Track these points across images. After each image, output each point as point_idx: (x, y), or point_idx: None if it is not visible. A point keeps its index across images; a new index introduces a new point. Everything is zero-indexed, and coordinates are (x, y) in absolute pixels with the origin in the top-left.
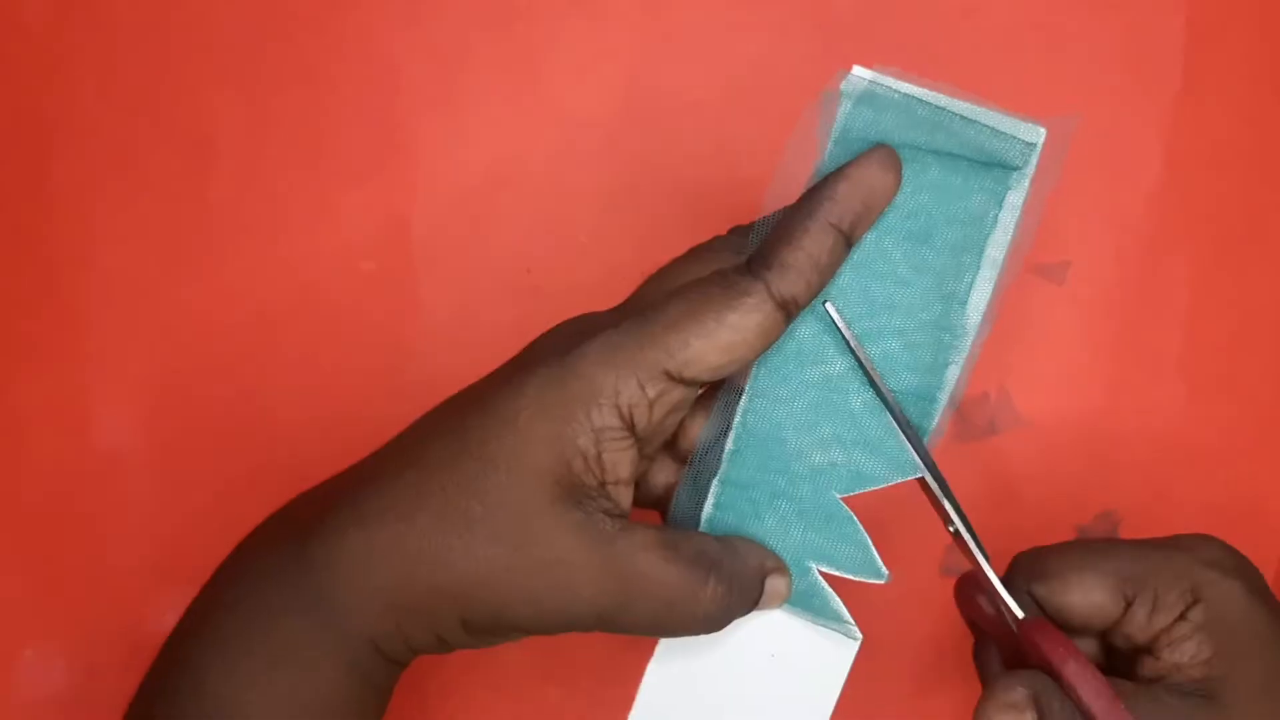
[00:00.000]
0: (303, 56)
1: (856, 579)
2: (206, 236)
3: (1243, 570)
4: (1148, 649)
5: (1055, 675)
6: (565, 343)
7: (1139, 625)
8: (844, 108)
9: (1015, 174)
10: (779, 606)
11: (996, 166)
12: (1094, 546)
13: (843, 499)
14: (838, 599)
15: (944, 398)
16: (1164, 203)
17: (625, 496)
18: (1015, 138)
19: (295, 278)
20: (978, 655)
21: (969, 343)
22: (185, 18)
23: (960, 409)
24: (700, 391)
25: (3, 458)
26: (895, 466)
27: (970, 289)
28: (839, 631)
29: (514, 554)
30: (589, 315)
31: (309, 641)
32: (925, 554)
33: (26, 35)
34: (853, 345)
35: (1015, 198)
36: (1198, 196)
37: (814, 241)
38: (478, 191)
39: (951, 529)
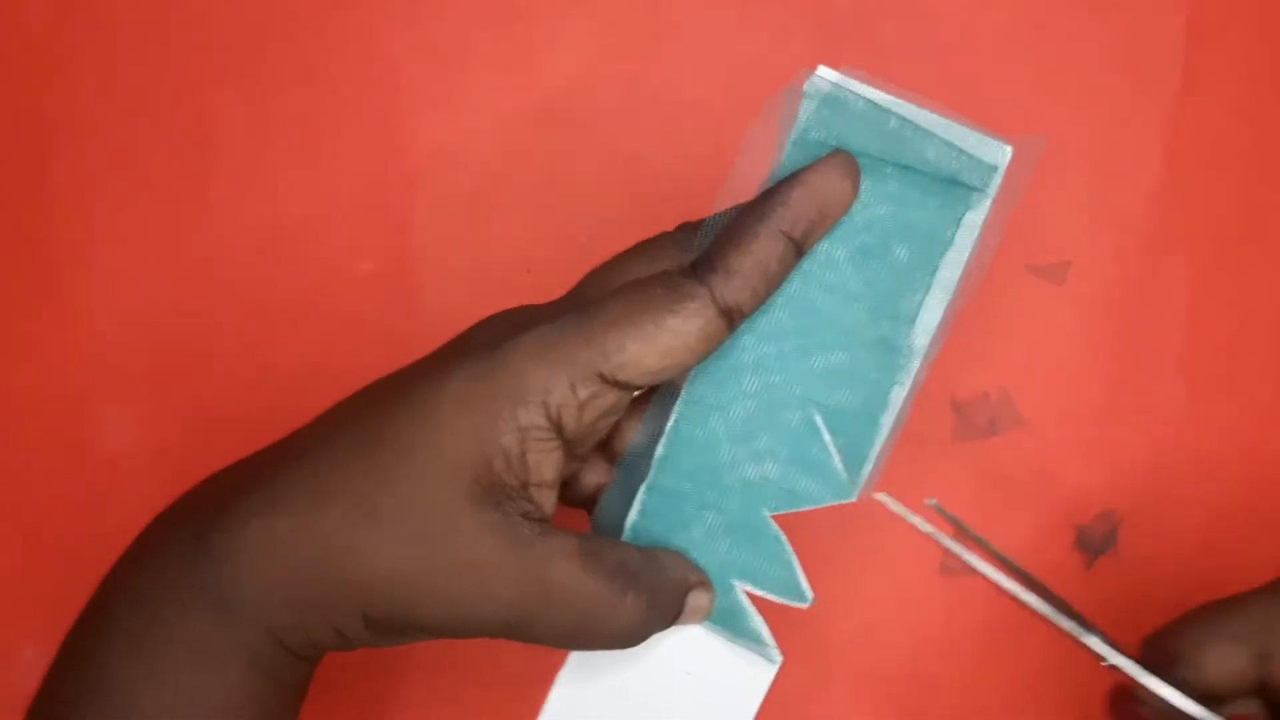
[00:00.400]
0: (303, 56)
1: (779, 600)
2: (206, 236)
3: None
4: None
5: None
6: (497, 334)
7: None
8: (805, 108)
9: (976, 193)
10: (699, 623)
11: (957, 184)
12: (1212, 611)
13: (774, 516)
14: (760, 619)
15: (886, 420)
16: (1164, 202)
17: (548, 500)
18: (977, 158)
19: (295, 277)
20: None
21: (916, 364)
22: (185, 18)
23: (960, 409)
24: (635, 395)
25: (3, 458)
26: (830, 488)
27: (920, 309)
28: (758, 653)
29: (424, 552)
30: (526, 307)
31: (211, 638)
32: (925, 553)
33: (26, 35)
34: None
35: (974, 217)
36: (1198, 196)
37: (763, 248)
38: (478, 191)
39: (1107, 664)
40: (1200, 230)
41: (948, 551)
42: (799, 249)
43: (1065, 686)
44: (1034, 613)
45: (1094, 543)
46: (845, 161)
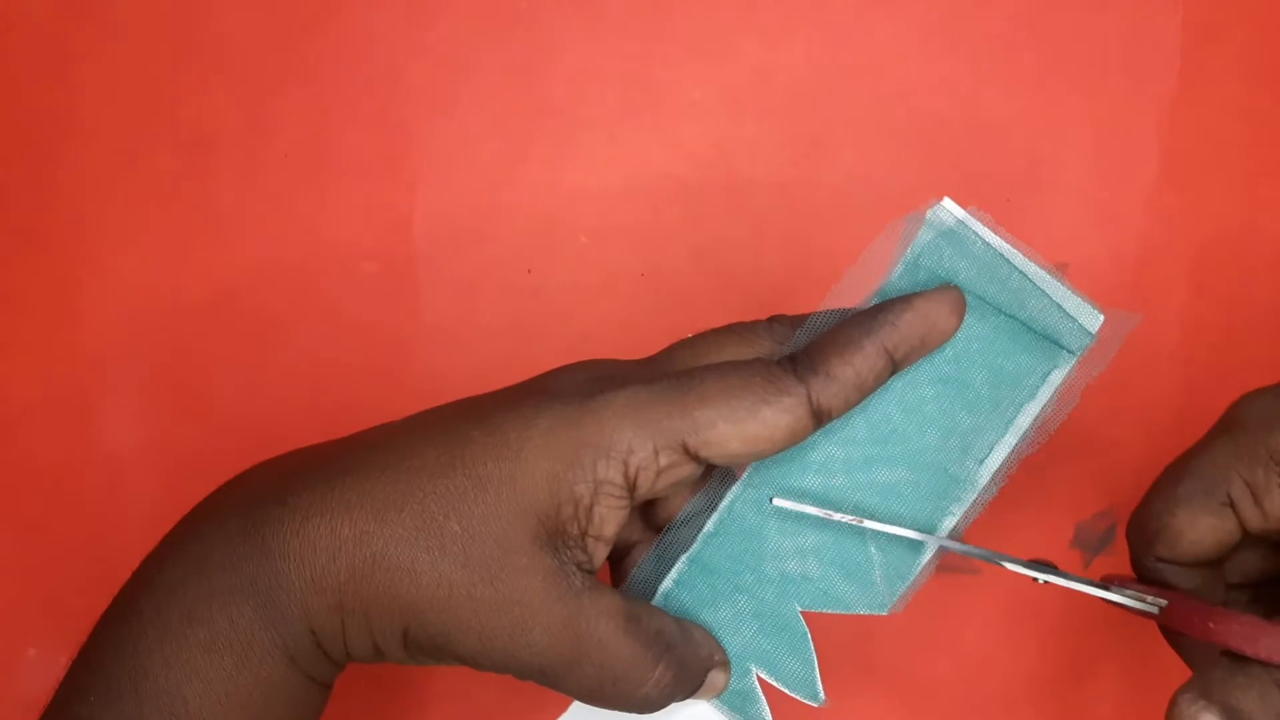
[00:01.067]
0: (305, 57)
1: (792, 695)
2: (208, 237)
3: None
4: None
5: (1221, 647)
6: (589, 384)
7: (1261, 519)
8: (924, 236)
9: (1065, 353)
10: (710, 699)
11: (1050, 341)
12: (1165, 478)
13: (803, 613)
14: (766, 706)
15: (931, 544)
16: (1161, 202)
17: (600, 553)
18: (1076, 321)
19: (297, 278)
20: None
21: (973, 498)
22: (187, 19)
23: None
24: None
25: (3, 457)
26: (866, 599)
27: (991, 449)
28: None
29: (478, 582)
30: (615, 361)
31: (254, 631)
32: None
33: (28, 35)
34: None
35: (1058, 375)
36: (1195, 196)
37: (865, 361)
38: (479, 192)
39: (1042, 580)
40: (1197, 229)
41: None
42: (895, 369)
43: (1065, 686)
44: (1038, 606)
45: (1091, 541)
46: (956, 298)
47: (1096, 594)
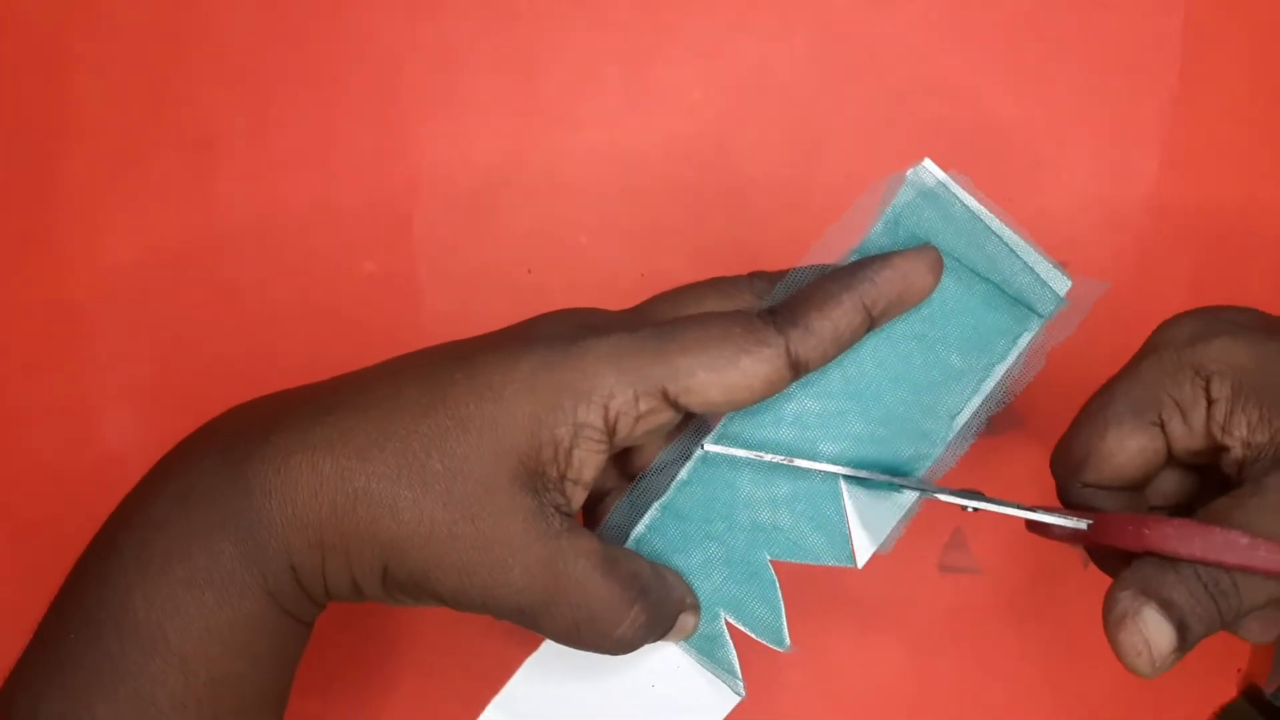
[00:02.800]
0: (305, 57)
1: (759, 639)
2: (208, 236)
3: (1218, 322)
4: (1221, 449)
5: (1152, 553)
6: (573, 331)
7: (1188, 436)
8: (905, 196)
9: (1036, 317)
10: (679, 642)
11: (1021, 304)
12: (1092, 404)
13: (772, 561)
14: (733, 650)
15: (905, 499)
16: (1162, 202)
17: (578, 497)
18: (1047, 286)
19: (297, 278)
20: (1108, 573)
21: (940, 452)
22: (188, 18)
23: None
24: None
25: (3, 458)
26: (836, 551)
27: (962, 406)
28: (725, 682)
29: (459, 520)
30: (598, 310)
31: (235, 566)
32: (925, 552)
33: (28, 35)
34: None
35: (1027, 338)
36: (1196, 196)
37: (843, 316)
38: (479, 192)
39: (971, 508)
40: (1198, 228)
41: (946, 550)
42: (872, 325)
43: (1065, 686)
44: (1037, 605)
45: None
46: (934, 258)
47: (1026, 515)
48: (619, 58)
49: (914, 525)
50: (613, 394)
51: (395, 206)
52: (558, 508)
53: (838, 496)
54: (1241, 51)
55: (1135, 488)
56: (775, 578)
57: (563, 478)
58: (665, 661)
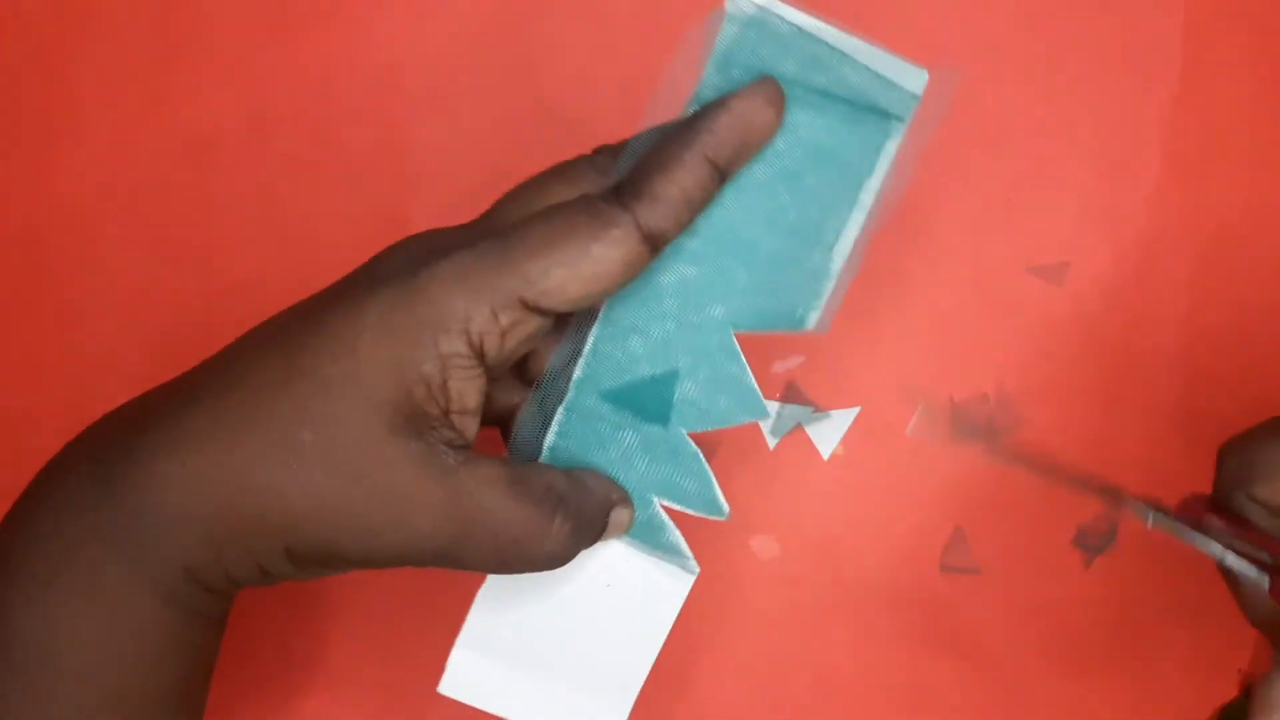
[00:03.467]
0: (305, 57)
1: (697, 514)
2: (207, 236)
3: None
4: None
5: None
6: (413, 261)
7: None
8: (728, 31)
9: (895, 121)
10: (619, 538)
11: (878, 112)
12: None
13: (689, 435)
14: (677, 532)
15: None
16: (1162, 202)
17: (471, 426)
18: (899, 86)
19: (296, 278)
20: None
21: (831, 286)
22: (187, 18)
23: (960, 409)
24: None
25: (3, 458)
26: (744, 406)
27: (840, 234)
28: (677, 564)
29: (347, 485)
30: (439, 231)
31: (119, 575)
32: (926, 552)
33: (27, 34)
34: None
35: (892, 145)
36: (1196, 196)
37: (688, 175)
38: (478, 192)
39: (1150, 524)
40: (1199, 230)
41: (947, 550)
42: (723, 176)
43: (1065, 686)
44: (1038, 605)
45: (1093, 541)
46: (772, 89)
47: (1215, 554)
48: (619, 58)
49: (914, 525)
50: (469, 316)
51: (395, 206)
52: (449, 443)
53: (736, 354)
54: (1242, 51)
55: None
56: (697, 449)
57: (446, 413)
58: (614, 558)
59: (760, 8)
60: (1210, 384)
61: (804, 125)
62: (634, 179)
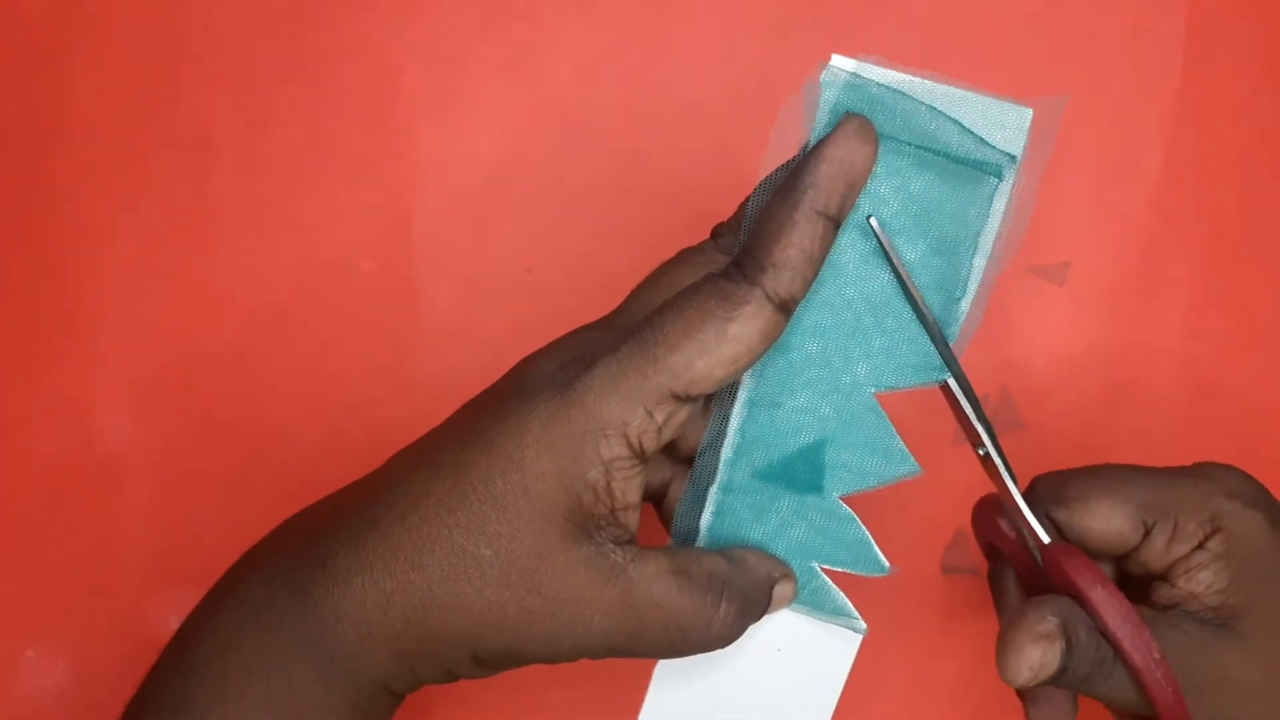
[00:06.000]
0: (303, 56)
1: (859, 574)
2: (207, 237)
3: (1264, 501)
4: (1164, 576)
5: (1080, 601)
6: (563, 371)
7: (1157, 553)
8: (826, 99)
9: (1005, 164)
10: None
11: (983, 161)
12: (1116, 472)
13: (843, 499)
14: (841, 594)
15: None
16: (1163, 202)
17: (634, 519)
18: (1005, 127)
19: (296, 278)
20: (994, 580)
21: (957, 336)
22: (186, 18)
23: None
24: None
25: (3, 458)
26: (896, 463)
27: (965, 285)
28: (843, 624)
29: (527, 596)
30: (582, 334)
31: (313, 688)
32: (926, 551)
33: (27, 35)
34: (895, 264)
35: (1005, 186)
36: (1197, 196)
37: (803, 234)
38: (478, 191)
39: (981, 451)
40: (1200, 230)
41: (948, 550)
42: (836, 224)
43: None
44: None
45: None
46: (859, 125)
47: (1014, 493)
48: (619, 57)
49: (915, 525)
50: (626, 421)
51: (394, 206)
52: (616, 540)
53: (880, 414)
54: (1244, 51)
55: (1084, 549)
56: (851, 512)
57: (612, 512)
58: (782, 626)
59: (852, 73)
60: (1210, 384)
61: (915, 183)
62: (752, 250)
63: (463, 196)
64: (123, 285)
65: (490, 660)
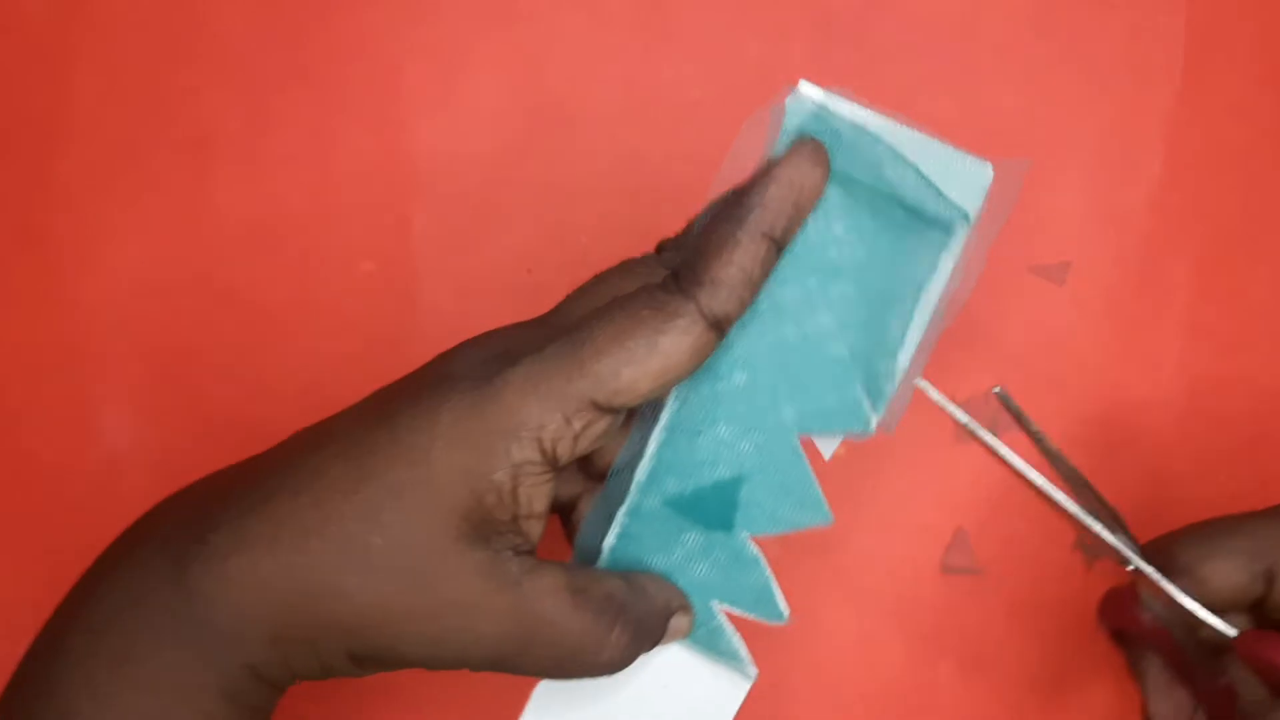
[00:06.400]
0: (303, 56)
1: (756, 619)
2: (207, 236)
3: None
4: None
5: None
6: (484, 365)
7: None
8: (790, 124)
9: (958, 219)
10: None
11: (938, 213)
12: (1219, 526)
13: (752, 539)
14: (736, 636)
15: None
16: (1164, 202)
17: (536, 530)
18: (963, 182)
19: (296, 277)
20: (1139, 665)
21: (893, 389)
22: (186, 17)
23: (960, 409)
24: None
25: (3, 457)
26: (809, 511)
27: (903, 336)
28: (735, 669)
29: (413, 594)
30: (508, 330)
31: (185, 672)
32: (926, 551)
33: (28, 34)
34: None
35: (956, 243)
36: (1198, 196)
37: (745, 254)
38: (478, 191)
39: (1131, 569)
40: (1200, 230)
41: (948, 550)
42: (779, 246)
43: (1065, 687)
44: (1040, 606)
45: (1095, 543)
46: (814, 149)
47: (1187, 603)
48: (618, 57)
49: (915, 524)
50: (542, 424)
51: (394, 206)
52: (515, 549)
53: (800, 459)
54: (1245, 50)
55: (1211, 611)
56: (758, 553)
57: (515, 518)
58: (672, 660)
59: (818, 105)
60: (1213, 384)
61: (866, 225)
62: (691, 264)
63: (462, 196)
64: (123, 285)
65: (367, 657)
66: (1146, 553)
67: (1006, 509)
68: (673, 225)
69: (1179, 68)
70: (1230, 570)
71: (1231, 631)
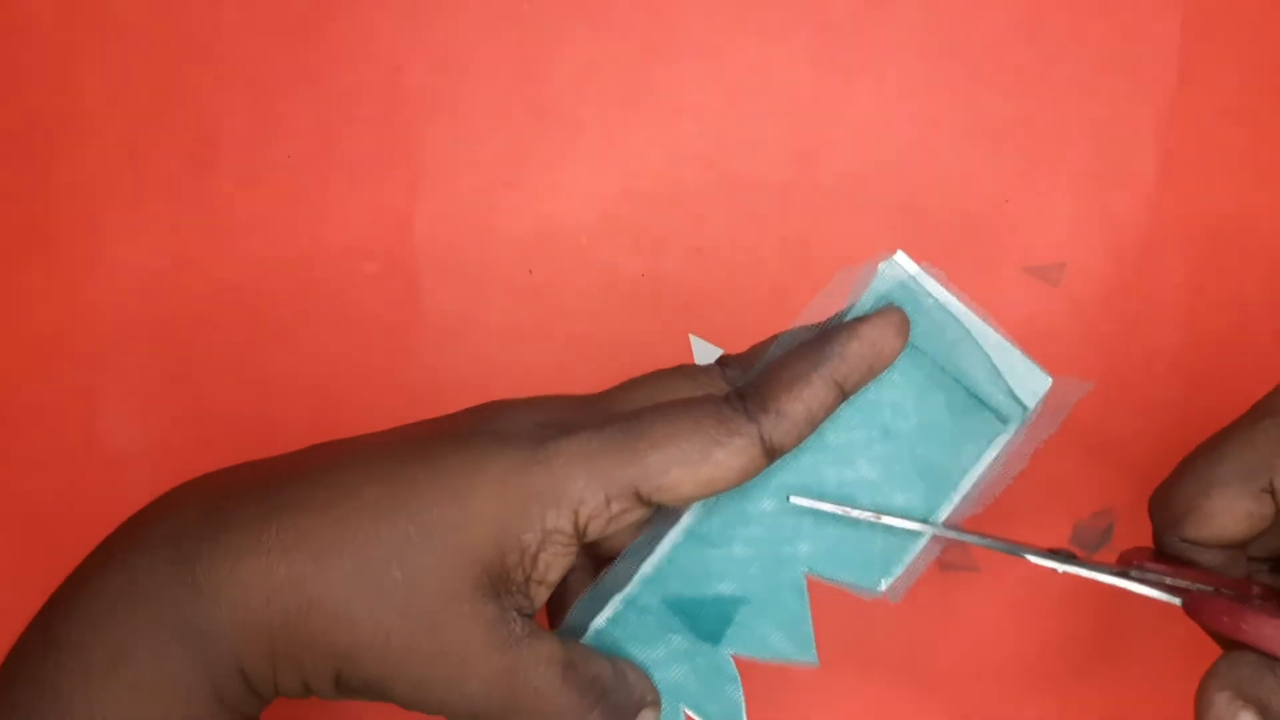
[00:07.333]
0: (307, 58)
1: None
2: (210, 236)
3: None
4: None
5: (1246, 646)
6: (538, 430)
7: None
8: (879, 286)
9: (1013, 418)
10: None
11: (996, 404)
12: (1198, 460)
13: (734, 657)
14: None
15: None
16: (1159, 203)
17: (542, 596)
18: (1024, 385)
19: (299, 278)
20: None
21: (910, 560)
22: (191, 19)
23: None
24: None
25: (5, 457)
26: (797, 648)
27: (933, 513)
28: None
29: (417, 634)
30: (560, 400)
31: (182, 671)
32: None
33: (32, 35)
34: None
35: (1003, 439)
36: (1193, 196)
37: (814, 395)
38: (479, 192)
39: (1061, 571)
40: (1195, 230)
41: (947, 549)
42: (844, 396)
43: (1065, 687)
44: (1037, 603)
45: (1089, 539)
46: (899, 320)
47: (1118, 584)
48: (619, 58)
49: None
50: (583, 499)
51: (397, 207)
52: (520, 610)
53: (803, 596)
54: (1239, 53)
55: (1236, 546)
56: (737, 674)
57: (527, 580)
58: None
59: (911, 276)
60: (1208, 385)
61: (926, 398)
62: (761, 389)
63: (465, 198)
64: (126, 284)
65: (353, 685)
66: (1151, 504)
67: (1002, 507)
68: (672, 226)
69: (1173, 69)
70: (1230, 500)
71: (1175, 601)
